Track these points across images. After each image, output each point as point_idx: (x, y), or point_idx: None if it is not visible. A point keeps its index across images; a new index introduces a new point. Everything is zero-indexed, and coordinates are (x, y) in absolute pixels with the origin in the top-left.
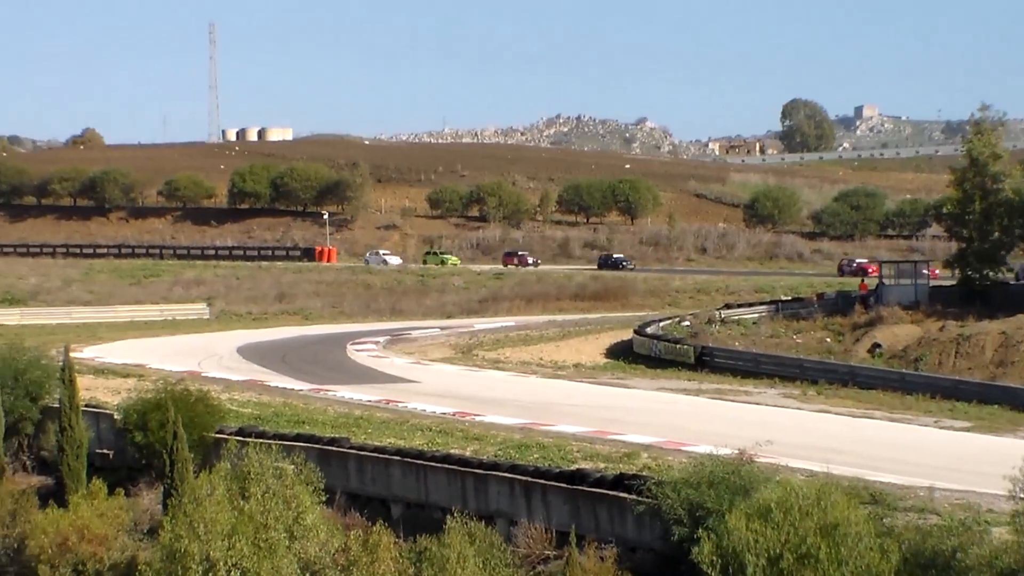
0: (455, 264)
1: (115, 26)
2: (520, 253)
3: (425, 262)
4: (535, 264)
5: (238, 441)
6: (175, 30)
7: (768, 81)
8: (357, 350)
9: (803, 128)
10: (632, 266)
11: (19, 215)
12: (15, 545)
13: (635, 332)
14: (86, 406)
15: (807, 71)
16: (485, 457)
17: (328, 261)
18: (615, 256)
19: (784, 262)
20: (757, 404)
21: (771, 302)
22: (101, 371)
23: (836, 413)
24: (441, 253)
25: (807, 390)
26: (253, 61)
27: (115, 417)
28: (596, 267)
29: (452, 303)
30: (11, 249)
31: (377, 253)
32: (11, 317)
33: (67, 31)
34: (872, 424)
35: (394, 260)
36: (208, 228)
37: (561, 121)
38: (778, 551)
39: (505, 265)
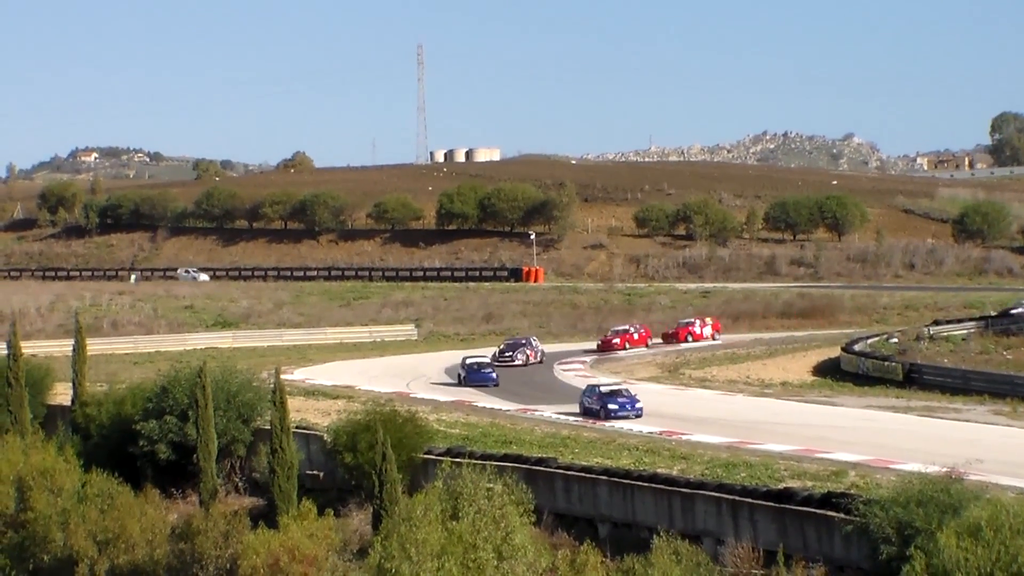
0: None
1: (324, 51)
2: None
3: None
4: None
5: (451, 462)
6: (383, 53)
7: (977, 94)
8: (564, 370)
9: (1013, 141)
10: None
11: (231, 239)
12: (227, 565)
13: (842, 350)
14: (296, 428)
15: (1017, 83)
16: (692, 476)
17: (535, 281)
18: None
19: (994, 277)
20: (966, 421)
21: (980, 318)
22: (311, 393)
23: None
24: None
25: (1017, 407)
26: (461, 82)
27: (325, 438)
28: None
29: (659, 322)
30: (224, 273)
31: None
32: (224, 340)
33: (277, 57)
34: None
35: None
36: (416, 250)
37: (767, 138)
38: (989, 570)
39: None
